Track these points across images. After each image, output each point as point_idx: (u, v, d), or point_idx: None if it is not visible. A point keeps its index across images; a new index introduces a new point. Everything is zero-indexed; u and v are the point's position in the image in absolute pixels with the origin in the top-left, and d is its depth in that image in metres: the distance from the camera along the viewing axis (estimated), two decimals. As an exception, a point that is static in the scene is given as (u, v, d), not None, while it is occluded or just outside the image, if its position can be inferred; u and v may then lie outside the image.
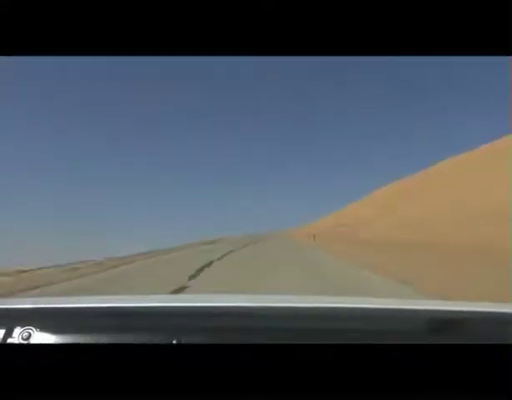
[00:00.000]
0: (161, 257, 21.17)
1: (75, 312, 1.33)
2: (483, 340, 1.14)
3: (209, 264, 15.37)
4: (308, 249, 28.14)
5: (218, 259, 18.24)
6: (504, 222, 22.73)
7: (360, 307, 1.35)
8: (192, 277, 11.23)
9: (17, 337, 1.19)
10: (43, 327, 1.22)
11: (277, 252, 24.64)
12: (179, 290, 8.59)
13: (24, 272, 12.56)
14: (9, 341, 1.19)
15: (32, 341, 1.19)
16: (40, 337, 1.20)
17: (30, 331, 1.20)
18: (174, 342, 1.18)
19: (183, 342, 1.18)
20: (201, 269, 13.39)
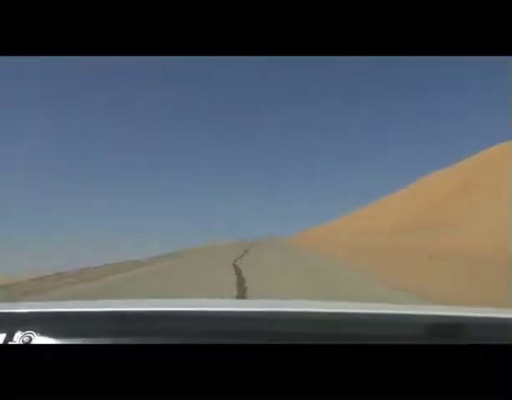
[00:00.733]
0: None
1: (76, 316, 1.33)
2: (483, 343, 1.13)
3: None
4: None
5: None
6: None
7: (361, 312, 1.35)
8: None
9: (17, 341, 1.19)
10: (44, 331, 1.21)
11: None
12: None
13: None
14: (10, 344, 1.19)
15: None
16: (41, 342, 1.20)
17: (31, 335, 1.20)
18: (174, 343, 1.17)
19: (182, 343, 1.17)
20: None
